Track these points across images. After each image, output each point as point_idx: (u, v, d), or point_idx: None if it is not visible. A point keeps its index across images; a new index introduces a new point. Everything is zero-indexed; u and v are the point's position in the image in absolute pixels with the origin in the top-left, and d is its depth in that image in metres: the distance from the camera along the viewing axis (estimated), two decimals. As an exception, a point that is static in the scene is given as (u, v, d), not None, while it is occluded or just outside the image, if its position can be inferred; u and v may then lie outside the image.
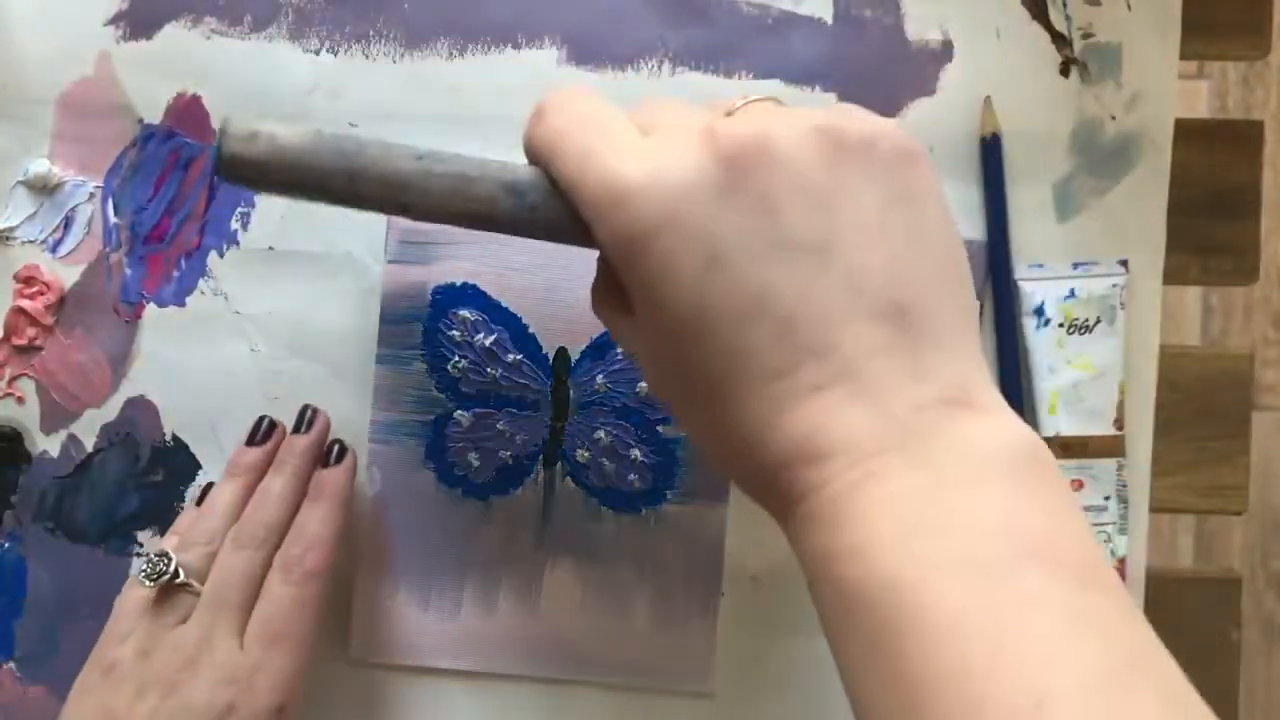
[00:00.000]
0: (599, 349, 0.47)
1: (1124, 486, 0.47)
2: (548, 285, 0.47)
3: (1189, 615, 0.50)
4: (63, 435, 0.48)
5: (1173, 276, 0.49)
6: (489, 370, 0.47)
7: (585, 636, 0.47)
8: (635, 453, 0.47)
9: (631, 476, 0.47)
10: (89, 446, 0.48)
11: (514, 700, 0.48)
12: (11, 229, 0.48)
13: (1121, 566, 0.47)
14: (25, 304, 0.47)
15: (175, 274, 0.48)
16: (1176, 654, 0.50)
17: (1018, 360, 0.48)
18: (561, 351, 0.47)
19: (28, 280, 0.48)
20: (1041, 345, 0.48)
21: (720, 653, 0.48)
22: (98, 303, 0.48)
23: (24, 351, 0.48)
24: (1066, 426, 0.47)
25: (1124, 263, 0.48)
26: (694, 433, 0.33)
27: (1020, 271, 0.48)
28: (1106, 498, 0.47)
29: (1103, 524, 0.47)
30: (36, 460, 0.48)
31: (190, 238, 0.48)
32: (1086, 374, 0.47)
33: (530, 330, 0.47)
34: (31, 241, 0.48)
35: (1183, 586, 0.50)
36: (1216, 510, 0.50)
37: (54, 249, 0.48)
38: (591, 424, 0.47)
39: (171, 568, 0.41)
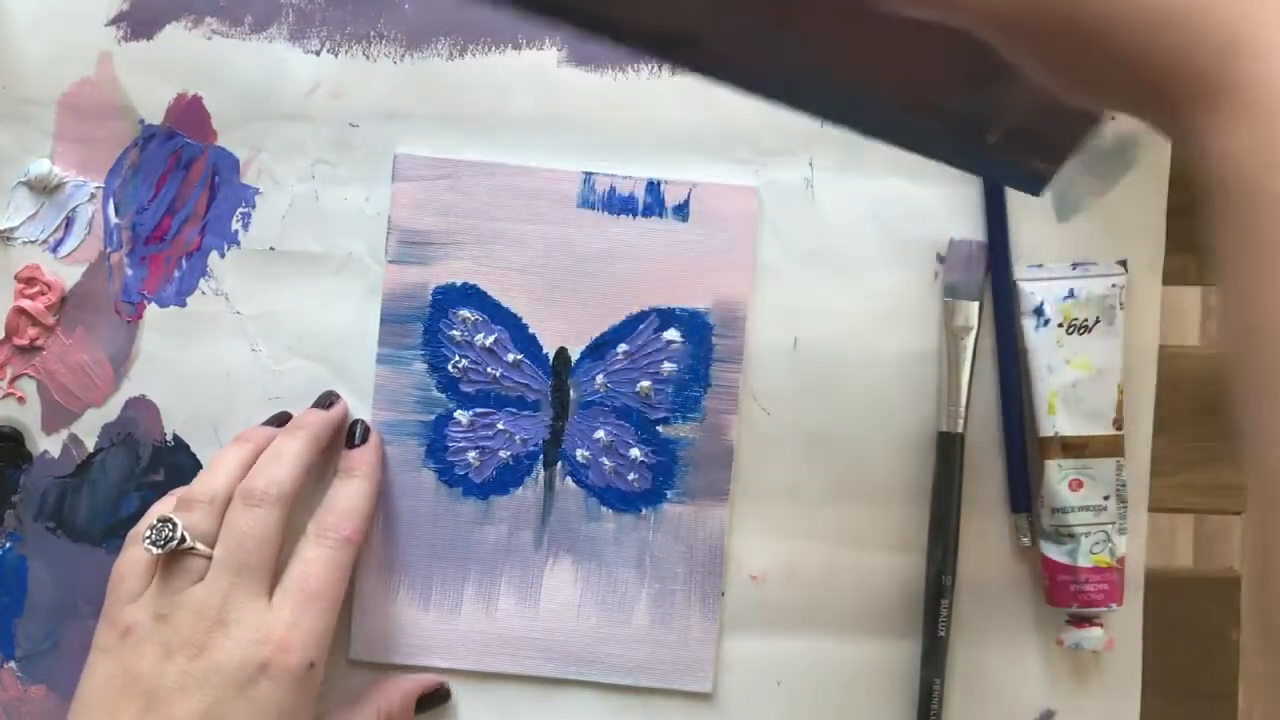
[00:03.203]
0: (599, 348, 0.47)
1: (1124, 486, 0.47)
2: (548, 285, 0.47)
3: (1189, 615, 0.50)
4: (64, 435, 0.48)
5: (1172, 276, 0.49)
6: (489, 370, 0.47)
7: (585, 636, 0.47)
8: (635, 452, 0.47)
9: (631, 476, 0.47)
10: (90, 446, 0.48)
11: (514, 700, 0.48)
12: (12, 229, 0.48)
13: (1121, 566, 0.47)
14: (26, 304, 0.48)
15: (176, 274, 0.48)
16: (1176, 654, 0.50)
17: (1017, 360, 0.48)
18: (561, 351, 0.47)
19: (29, 280, 0.48)
20: (1041, 345, 0.48)
21: (720, 653, 0.48)
22: (99, 303, 0.48)
23: (25, 351, 0.48)
24: (1066, 426, 0.47)
25: (1123, 263, 0.48)
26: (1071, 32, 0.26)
27: (1020, 272, 0.48)
28: (1106, 497, 0.47)
29: (1102, 524, 0.47)
30: (38, 460, 0.48)
31: (191, 238, 0.48)
32: (1086, 374, 0.47)
33: (530, 330, 0.47)
34: (33, 242, 0.48)
35: (1183, 586, 0.50)
36: (1216, 510, 0.50)
37: (55, 249, 0.48)
38: (591, 423, 0.47)
39: (178, 533, 0.41)
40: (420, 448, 0.47)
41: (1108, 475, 0.47)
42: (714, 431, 0.47)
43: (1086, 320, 0.48)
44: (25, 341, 0.48)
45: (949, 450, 0.48)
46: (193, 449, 0.48)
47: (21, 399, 0.48)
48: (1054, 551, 0.47)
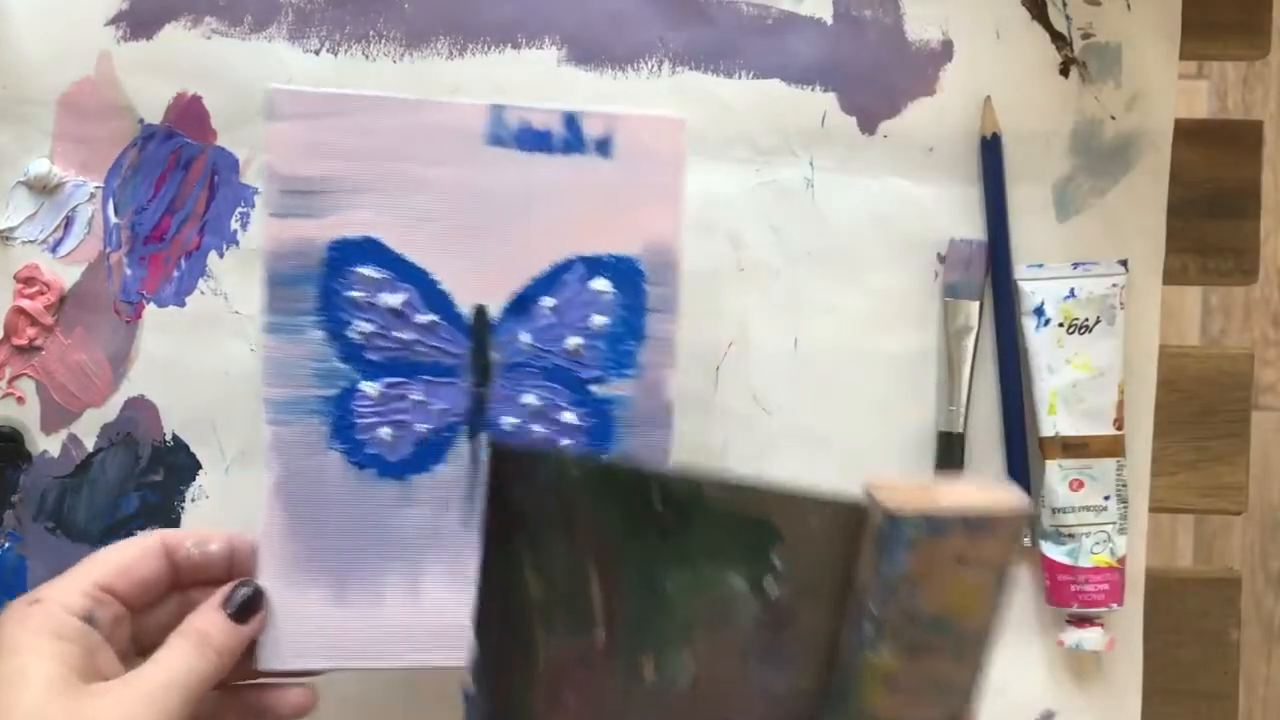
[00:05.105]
0: (522, 304, 0.43)
1: (1124, 486, 0.47)
2: (461, 234, 0.42)
3: (1189, 615, 0.50)
4: (63, 435, 0.48)
5: (1173, 276, 0.49)
6: (398, 334, 0.42)
7: None
8: (568, 416, 0.43)
9: (565, 442, 0.43)
10: (89, 446, 0.48)
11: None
12: (12, 229, 0.48)
13: (1121, 566, 0.47)
14: (25, 304, 0.47)
15: (175, 274, 0.48)
16: (1176, 654, 0.50)
17: (1017, 360, 0.48)
18: (480, 309, 0.43)
19: (28, 280, 0.48)
20: (1041, 345, 0.48)
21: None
22: (98, 303, 0.48)
23: (24, 351, 0.48)
24: (1066, 426, 0.47)
25: (1124, 263, 0.48)
26: None
27: (1020, 271, 0.48)
28: (1106, 498, 0.47)
29: (1103, 524, 0.47)
30: (37, 460, 0.48)
31: (190, 238, 0.48)
32: (1086, 374, 0.47)
33: (442, 286, 0.42)
34: (32, 241, 0.48)
35: (1183, 586, 0.50)
36: (1216, 510, 0.50)
37: (54, 249, 0.48)
38: (518, 387, 0.43)
39: None
40: (324, 427, 0.42)
41: (1108, 475, 0.47)
42: (651, 388, 0.43)
43: (1087, 320, 0.48)
44: (24, 341, 0.48)
45: (949, 450, 0.48)
46: (192, 449, 0.48)
47: (21, 399, 0.48)
48: (1054, 551, 0.47)
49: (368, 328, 0.42)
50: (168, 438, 0.48)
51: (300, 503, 0.42)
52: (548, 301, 0.43)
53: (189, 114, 0.48)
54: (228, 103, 0.48)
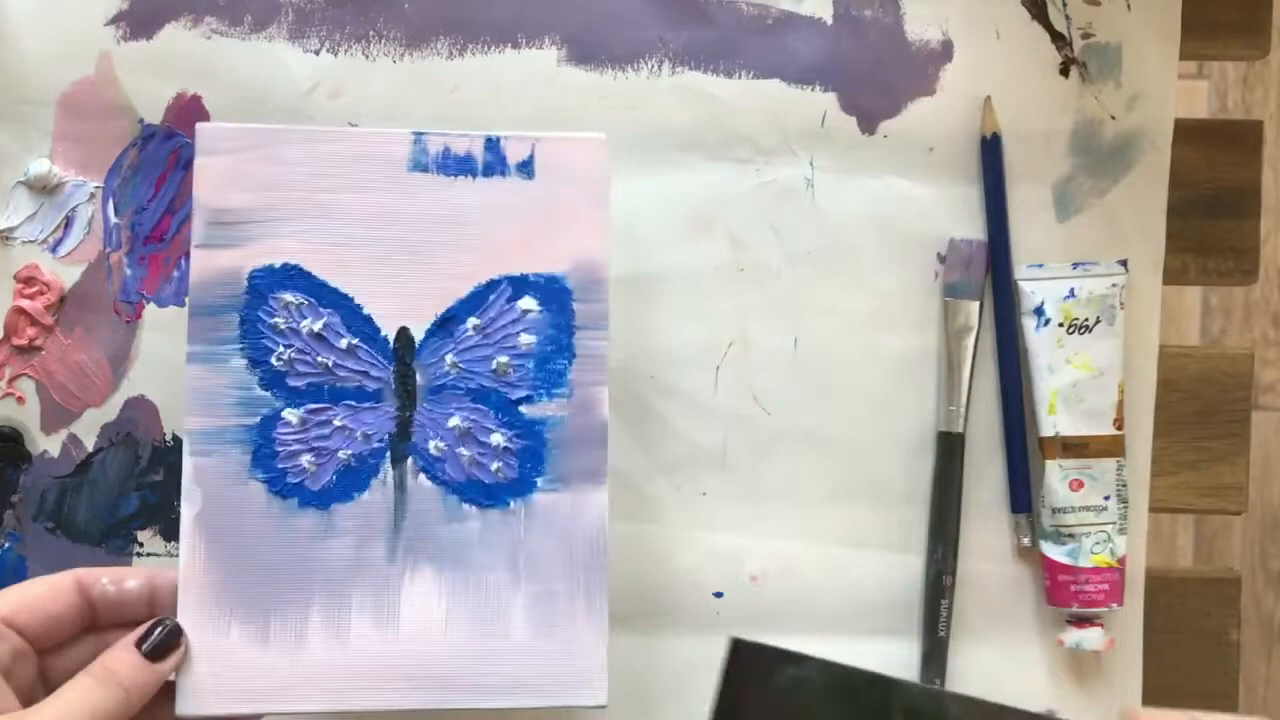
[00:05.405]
0: (445, 324, 0.42)
1: (1124, 486, 0.47)
2: (382, 259, 0.42)
3: (1189, 615, 0.50)
4: (63, 435, 0.48)
5: (1173, 276, 0.49)
6: (320, 358, 0.42)
7: (456, 657, 0.41)
8: (496, 438, 0.42)
9: (494, 465, 0.42)
10: (89, 446, 0.48)
11: None
12: (12, 229, 0.48)
13: (1121, 566, 0.47)
14: (25, 304, 0.48)
15: (175, 274, 0.48)
16: (1176, 654, 0.50)
17: (1017, 360, 0.48)
18: (403, 331, 0.42)
19: (28, 280, 0.48)
20: (1041, 345, 0.48)
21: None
22: (98, 302, 0.48)
23: (24, 351, 0.48)
24: (1066, 426, 0.47)
25: (1124, 263, 0.48)
26: None
27: (1020, 271, 0.48)
28: (1106, 498, 0.47)
29: (1103, 524, 0.47)
30: (37, 460, 0.48)
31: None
32: (1086, 374, 0.47)
33: (365, 310, 0.42)
34: (32, 241, 0.48)
35: (1183, 586, 0.50)
36: (1216, 510, 0.50)
37: (54, 249, 0.48)
38: (444, 410, 0.42)
39: None
40: (245, 456, 0.41)
41: (1108, 475, 0.47)
42: (584, 407, 0.42)
43: (1087, 320, 0.48)
44: (24, 341, 0.48)
45: (949, 450, 0.48)
46: (192, 449, 0.48)
47: (21, 399, 0.48)
48: (1054, 551, 0.47)
49: (289, 353, 0.42)
50: (168, 438, 0.48)
51: (221, 535, 0.41)
52: (473, 321, 0.42)
53: (189, 114, 0.48)
54: (228, 103, 0.48)
